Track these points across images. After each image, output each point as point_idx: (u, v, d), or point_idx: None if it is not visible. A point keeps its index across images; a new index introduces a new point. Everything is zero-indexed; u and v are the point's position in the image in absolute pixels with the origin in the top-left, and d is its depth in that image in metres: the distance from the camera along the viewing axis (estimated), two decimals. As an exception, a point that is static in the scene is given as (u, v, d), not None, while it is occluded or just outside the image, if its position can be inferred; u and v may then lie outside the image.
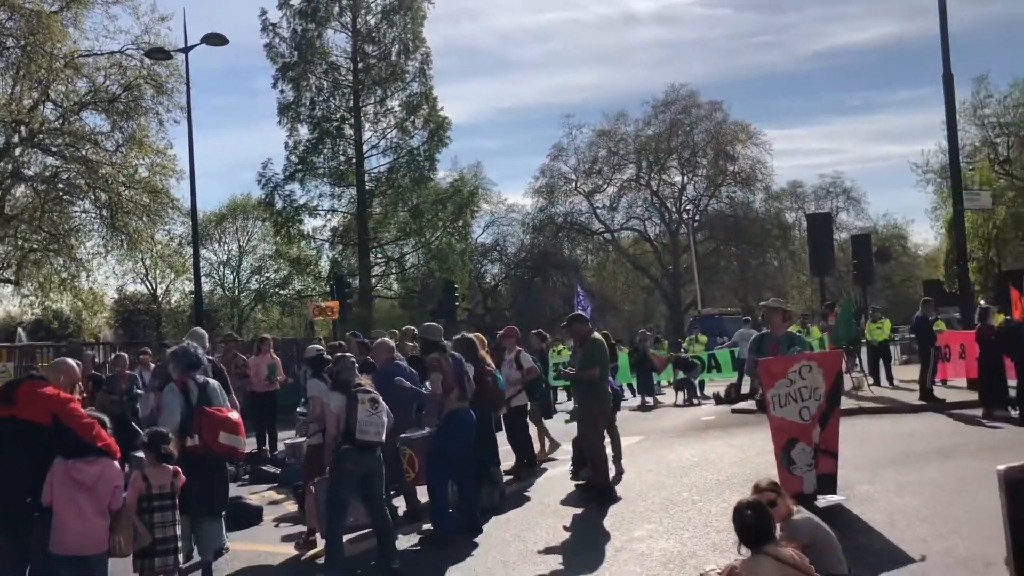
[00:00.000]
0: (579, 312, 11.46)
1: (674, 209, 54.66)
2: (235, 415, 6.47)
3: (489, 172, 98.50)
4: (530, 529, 7.84)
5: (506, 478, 9.82)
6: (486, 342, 10.20)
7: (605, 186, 54.06)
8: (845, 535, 5.54)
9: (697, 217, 52.49)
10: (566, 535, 7.65)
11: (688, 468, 9.99)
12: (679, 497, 8.48)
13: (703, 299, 41.69)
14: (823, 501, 7.07)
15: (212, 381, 6.60)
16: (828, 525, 5.03)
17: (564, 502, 8.93)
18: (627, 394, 19.78)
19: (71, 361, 5.89)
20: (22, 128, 22.59)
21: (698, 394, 19.44)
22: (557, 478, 10.20)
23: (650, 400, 18.90)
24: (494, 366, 9.54)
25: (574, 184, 53.94)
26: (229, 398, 7.14)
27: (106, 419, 5.44)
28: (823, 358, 7.87)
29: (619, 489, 9.06)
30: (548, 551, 7.10)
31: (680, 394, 19.24)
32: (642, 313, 57.31)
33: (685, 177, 54.46)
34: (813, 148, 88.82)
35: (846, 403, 10.23)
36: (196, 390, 6.36)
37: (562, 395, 20.30)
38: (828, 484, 7.34)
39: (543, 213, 53.52)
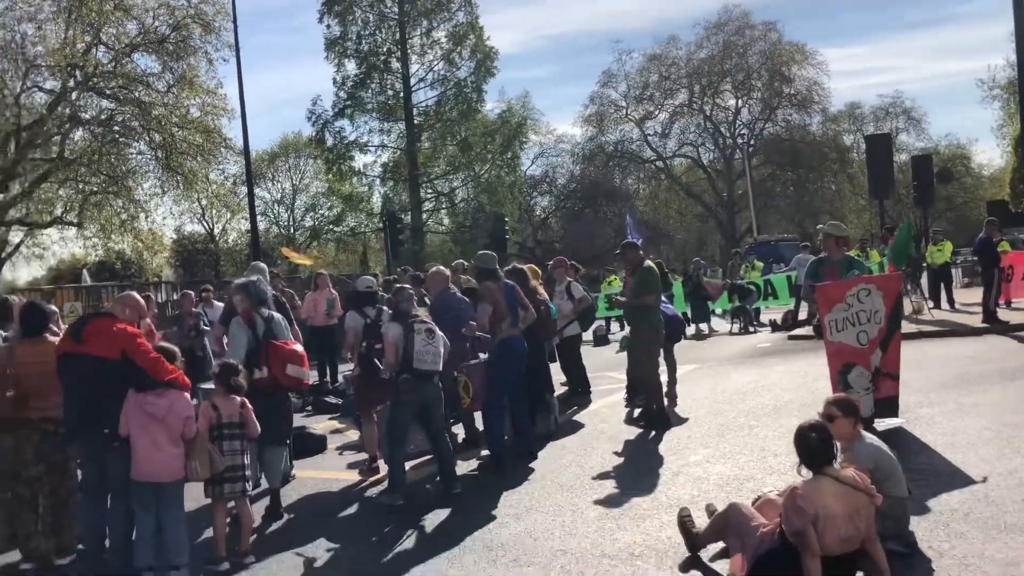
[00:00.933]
0: (631, 240, 11.39)
1: (728, 134, 53.60)
2: (300, 348, 6.62)
3: (537, 102, 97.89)
4: (586, 454, 7.95)
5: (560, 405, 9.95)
6: (540, 272, 10.24)
7: (656, 112, 53.14)
8: (905, 457, 5.51)
9: (752, 142, 51.29)
10: (621, 460, 7.74)
11: (744, 394, 9.98)
12: (735, 423, 8.49)
13: (758, 226, 41.02)
14: (882, 424, 7.02)
15: (277, 315, 6.73)
16: (888, 448, 5.00)
17: (618, 429, 9.01)
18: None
19: (135, 294, 6.06)
20: (77, 72, 22.87)
21: (754, 321, 19.26)
22: (611, 406, 10.27)
23: (705, 328, 18.81)
24: (547, 296, 9.58)
25: (624, 111, 53.09)
26: (292, 331, 7.29)
27: (176, 350, 5.61)
28: (882, 280, 7.74)
29: (674, 415, 9.11)
30: (604, 475, 7.20)
31: (736, 322, 19.11)
32: (695, 242, 56.72)
33: (739, 101, 53.30)
34: (872, 67, 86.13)
35: (905, 327, 10.05)
36: (262, 324, 6.50)
37: (614, 326, 20.39)
38: (889, 407, 7.29)
39: (593, 142, 52.92)
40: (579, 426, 9.36)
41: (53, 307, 8.29)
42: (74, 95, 23.80)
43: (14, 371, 5.81)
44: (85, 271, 29.42)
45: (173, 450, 5.31)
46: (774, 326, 17.67)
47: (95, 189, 25.12)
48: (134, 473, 5.29)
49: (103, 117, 24.92)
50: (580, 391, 10.77)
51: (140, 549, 5.30)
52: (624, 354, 9.72)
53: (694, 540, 5.04)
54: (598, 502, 6.42)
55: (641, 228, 22.67)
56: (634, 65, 52.31)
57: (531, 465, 7.69)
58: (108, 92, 24.33)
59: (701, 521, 5.16)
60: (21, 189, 24.45)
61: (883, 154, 18.77)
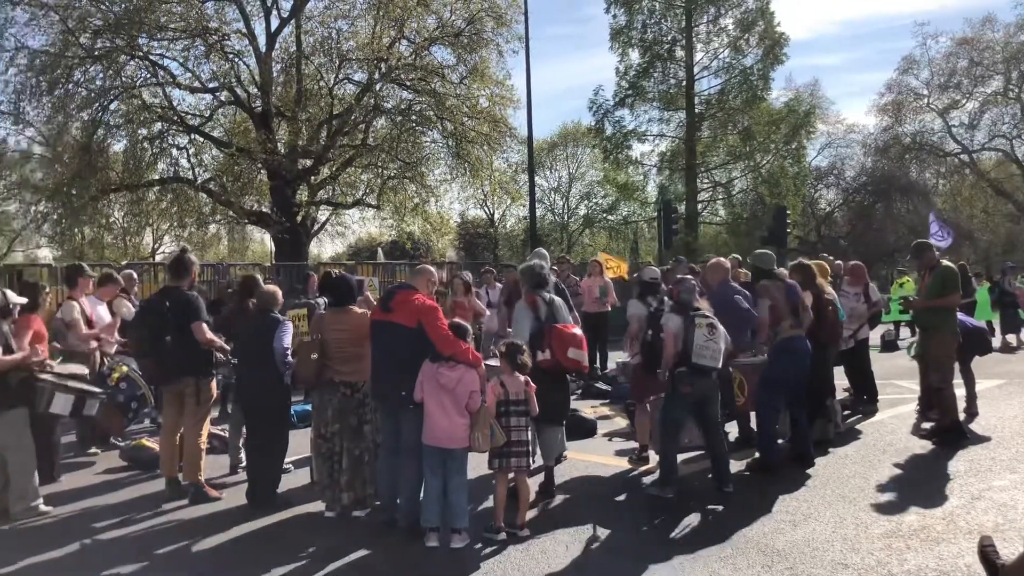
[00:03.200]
0: (929, 240, 10.51)
1: (1049, 126, 47.68)
2: (580, 331, 6.75)
3: (827, 90, 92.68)
4: (870, 467, 7.46)
5: (844, 412, 9.42)
6: (828, 270, 9.74)
7: (963, 101, 48.22)
8: None
9: (1079, 135, 45.34)
10: (910, 476, 7.18)
11: (1061, 417, 8.90)
12: (1050, 448, 7.60)
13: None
14: None
15: (557, 299, 6.90)
16: None
17: (907, 442, 8.37)
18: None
19: (431, 267, 6.51)
20: (382, 65, 24.70)
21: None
22: (900, 417, 9.57)
23: (1013, 340, 16.95)
24: (835, 295, 9.08)
25: (926, 100, 48.72)
26: (572, 315, 7.45)
27: (468, 327, 5.96)
28: None
29: (974, 434, 8.30)
30: (890, 490, 6.72)
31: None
32: (1003, 244, 51.12)
33: (1065, 88, 47.17)
34: None
35: None
36: (544, 307, 6.70)
37: (904, 331, 18.98)
38: None
39: (888, 133, 49.15)
40: (862, 436, 8.81)
41: (362, 277, 9.06)
42: (378, 86, 25.70)
43: (320, 336, 6.45)
44: (380, 249, 31.98)
45: (460, 420, 5.64)
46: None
47: (392, 174, 26.99)
48: (425, 437, 5.70)
49: (402, 107, 26.71)
50: (866, 399, 10.11)
51: (427, 509, 5.70)
52: (916, 362, 9.03)
53: (998, 573, 4.57)
54: (884, 518, 6.00)
55: (948, 229, 20.75)
56: (940, 50, 47.86)
57: (809, 472, 7.35)
58: (408, 83, 26.01)
59: (1007, 552, 4.66)
60: (329, 172, 26.84)
61: None
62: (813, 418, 8.20)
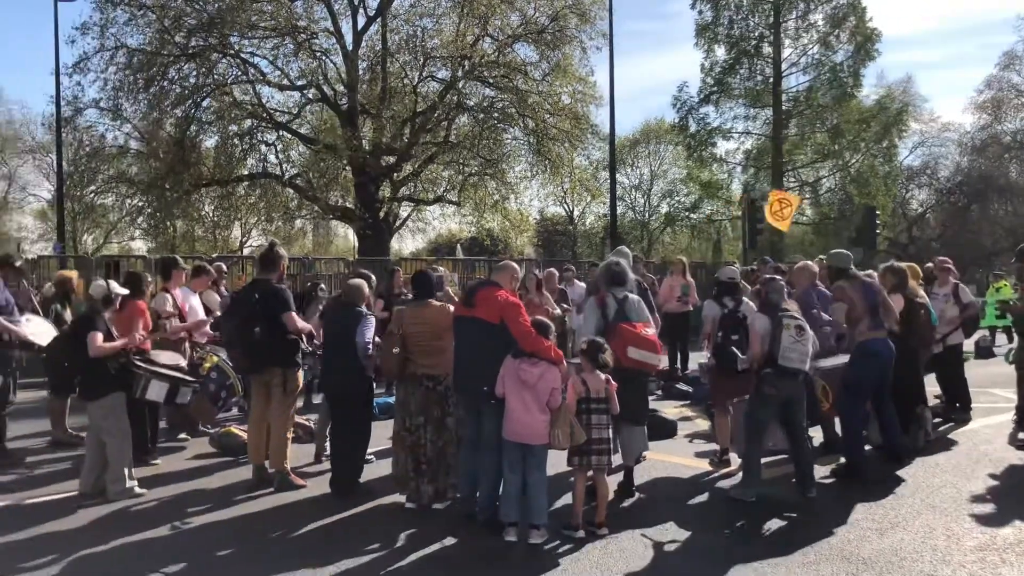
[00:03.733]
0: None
1: None
2: (650, 331, 6.54)
3: (921, 87, 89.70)
4: (963, 477, 7.20)
5: (935, 420, 9.11)
6: (920, 272, 9.44)
7: (1069, 98, 46.24)
8: None
9: None
10: (1006, 487, 6.91)
11: None
12: None
13: None
14: None
15: (633, 297, 6.75)
16: None
17: (1004, 453, 8.05)
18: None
19: (513, 263, 6.53)
20: (465, 62, 24.90)
21: None
22: (995, 426, 9.22)
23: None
24: (927, 299, 8.80)
25: (1028, 97, 46.86)
26: (654, 316, 7.36)
27: (551, 325, 5.95)
28: None
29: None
30: (985, 501, 6.48)
31: None
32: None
33: None
34: None
35: None
36: (614, 305, 6.58)
37: (1000, 338, 18.29)
38: None
39: (986, 131, 47.36)
40: (955, 444, 8.51)
41: (443, 271, 9.16)
42: (461, 83, 25.91)
43: (403, 330, 6.53)
44: (459, 245, 32.24)
45: (541, 416, 5.64)
46: None
47: (473, 171, 27.20)
48: (506, 432, 5.73)
49: (484, 104, 26.89)
50: (959, 407, 9.76)
51: (506, 504, 5.73)
52: (1013, 370, 8.69)
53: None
54: (978, 530, 5.80)
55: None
56: (1043, 44, 45.97)
57: (896, 479, 7.13)
58: (490, 81, 26.17)
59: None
60: (412, 169, 27.22)
61: None
62: (905, 426, 7.96)
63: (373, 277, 8.65)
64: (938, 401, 9.95)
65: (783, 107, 36.15)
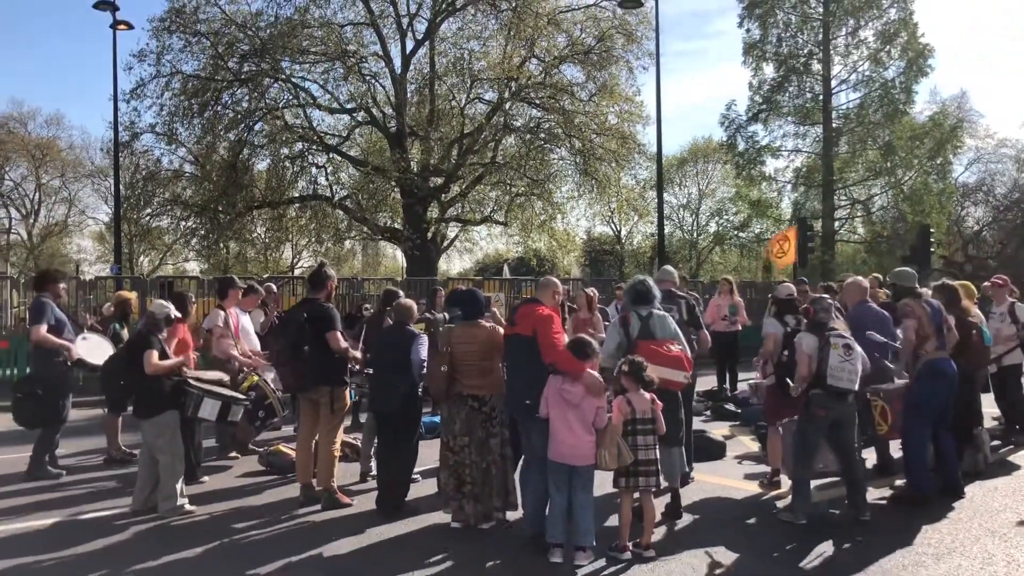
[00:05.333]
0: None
1: None
2: (676, 348, 6.40)
3: (976, 103, 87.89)
4: (1023, 500, 6.99)
5: (993, 442, 8.87)
6: (974, 291, 9.22)
7: None
8: None
9: None
10: (1071, 514, 6.69)
11: None
12: None
13: None
14: None
15: (658, 313, 6.64)
16: None
17: (1067, 477, 7.82)
18: None
19: (554, 279, 6.55)
20: (512, 84, 25.04)
21: None
22: (1058, 449, 8.95)
23: None
24: (981, 318, 8.60)
25: (1088, 111, 45.70)
26: (701, 333, 7.26)
27: (593, 343, 5.91)
28: None
29: None
30: (1047, 528, 6.28)
31: None
32: None
33: None
34: None
35: None
36: (637, 323, 6.52)
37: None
38: None
39: (1044, 147, 46.22)
40: (1015, 468, 8.30)
41: (488, 294, 9.21)
42: (508, 105, 26.05)
43: (449, 349, 6.56)
44: (506, 265, 32.32)
45: (586, 436, 5.61)
46: None
47: (520, 191, 27.27)
48: (551, 453, 5.69)
49: (531, 125, 26.99)
50: (1018, 428, 9.50)
51: (552, 525, 5.70)
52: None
53: None
54: (1039, 557, 5.62)
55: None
56: (1104, 57, 44.83)
57: (954, 504, 6.95)
58: (537, 102, 26.26)
59: None
60: (459, 190, 27.40)
61: None
62: (961, 448, 7.76)
63: (401, 292, 8.74)
64: (996, 423, 9.69)
65: (833, 124, 35.70)
